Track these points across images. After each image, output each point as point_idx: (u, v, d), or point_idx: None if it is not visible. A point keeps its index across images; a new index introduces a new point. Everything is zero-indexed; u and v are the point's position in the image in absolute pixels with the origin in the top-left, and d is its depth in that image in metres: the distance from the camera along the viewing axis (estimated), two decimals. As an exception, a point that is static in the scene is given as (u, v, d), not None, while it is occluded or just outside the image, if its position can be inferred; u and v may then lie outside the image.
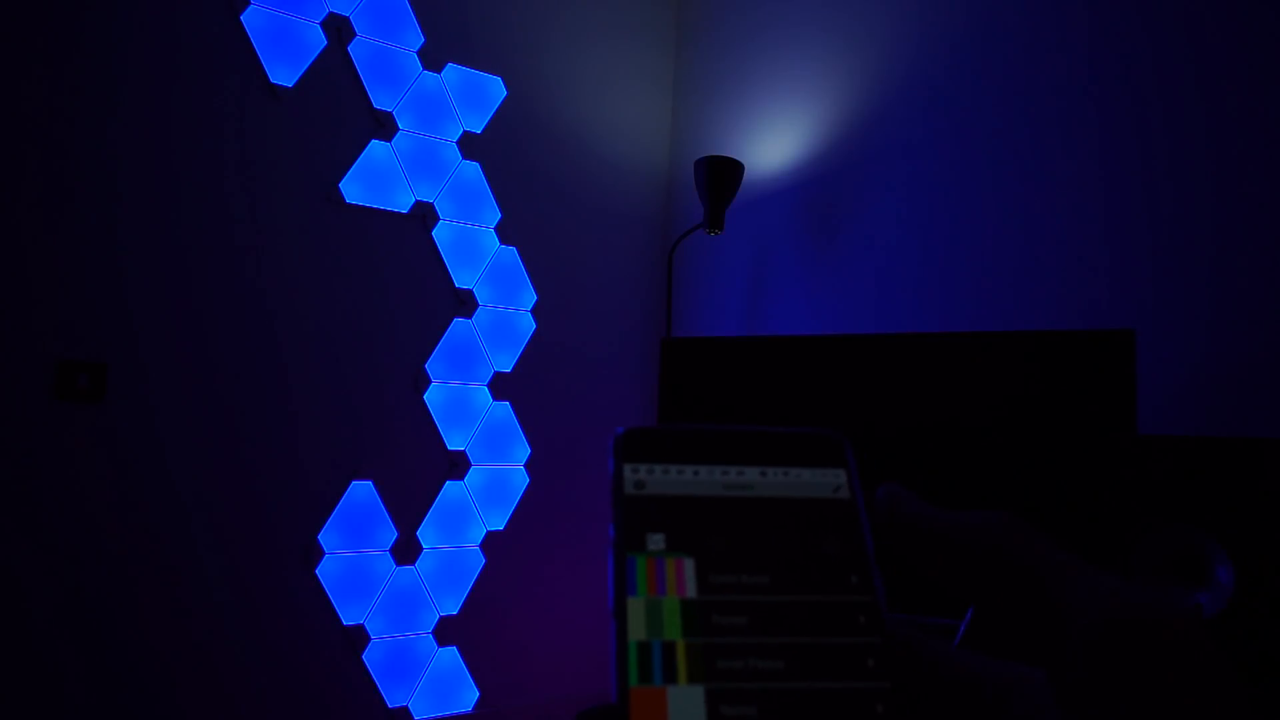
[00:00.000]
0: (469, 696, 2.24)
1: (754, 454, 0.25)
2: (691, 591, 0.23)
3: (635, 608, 0.22)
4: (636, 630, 0.22)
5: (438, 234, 2.28)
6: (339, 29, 2.14)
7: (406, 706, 2.13)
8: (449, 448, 2.26)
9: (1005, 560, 0.23)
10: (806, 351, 1.61)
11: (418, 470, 2.20)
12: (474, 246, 2.35)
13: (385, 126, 2.20)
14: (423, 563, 2.18)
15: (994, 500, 1.40)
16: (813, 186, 2.33)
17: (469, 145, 2.36)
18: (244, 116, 2.00)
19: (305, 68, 2.08)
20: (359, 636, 2.07)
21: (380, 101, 2.20)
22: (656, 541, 0.23)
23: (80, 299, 1.79)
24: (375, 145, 2.18)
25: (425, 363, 2.24)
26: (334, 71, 2.13)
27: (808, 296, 2.32)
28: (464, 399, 2.30)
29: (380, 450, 2.14)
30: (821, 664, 0.22)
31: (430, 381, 2.24)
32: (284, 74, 2.06)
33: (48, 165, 1.77)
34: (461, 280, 2.32)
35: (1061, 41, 1.82)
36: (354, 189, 2.15)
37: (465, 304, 2.32)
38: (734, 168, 2.29)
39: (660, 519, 0.24)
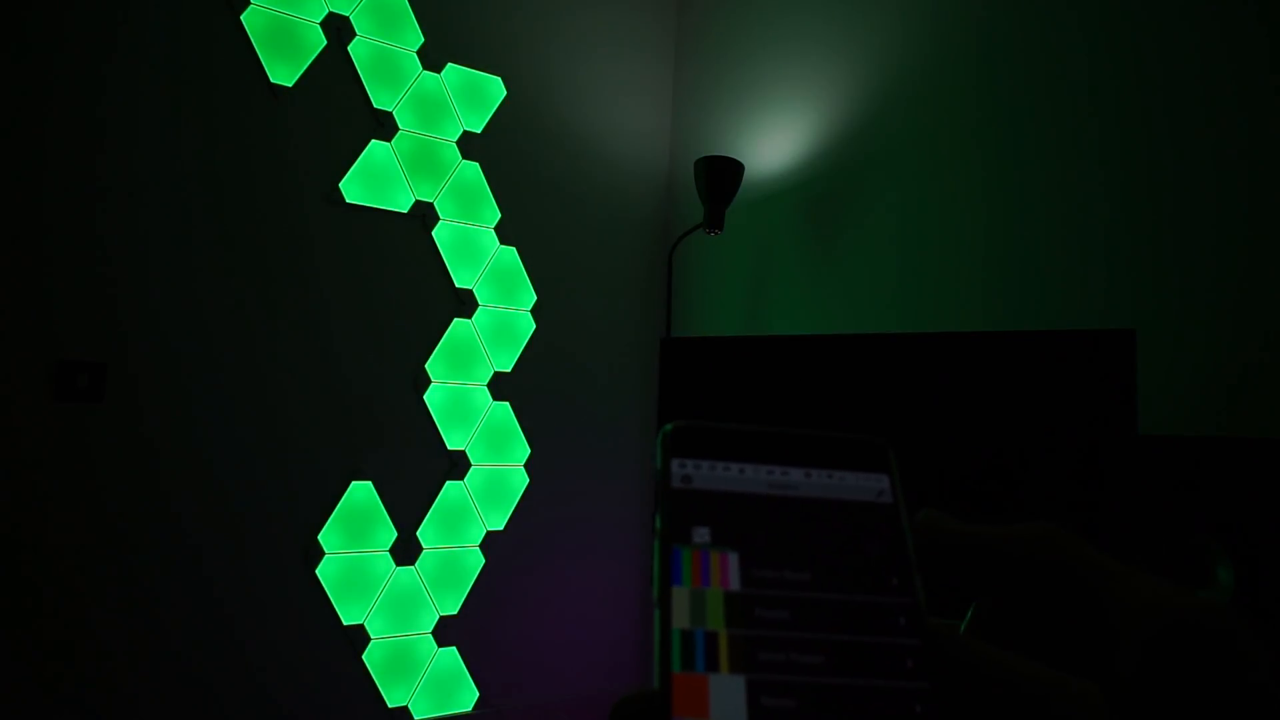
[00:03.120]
0: (468, 696, 2.24)
1: (799, 455, 0.26)
2: (735, 584, 0.23)
3: (679, 597, 0.22)
4: (680, 619, 0.22)
5: (438, 234, 2.28)
6: (339, 29, 2.14)
7: (406, 706, 2.13)
8: (449, 448, 2.26)
9: (1058, 568, 0.23)
10: (806, 351, 1.62)
11: (418, 470, 2.20)
12: (474, 246, 2.35)
13: (385, 126, 2.20)
14: (423, 563, 2.18)
15: (994, 500, 1.40)
16: (813, 186, 2.33)
17: (469, 145, 2.36)
18: (244, 116, 2.00)
19: (305, 68, 2.08)
20: (359, 636, 2.07)
21: (380, 101, 2.20)
22: (702, 535, 0.24)
23: (80, 299, 1.79)
24: (375, 145, 2.18)
25: (425, 363, 2.24)
26: (334, 71, 2.13)
27: (808, 296, 2.32)
28: (464, 399, 2.30)
29: (380, 450, 2.14)
30: (861, 662, 0.23)
31: (430, 381, 2.24)
32: (284, 74, 2.06)
33: (48, 165, 1.77)
34: (461, 280, 2.32)
35: (1061, 41, 1.82)
36: (354, 189, 2.15)
37: (465, 304, 2.32)
38: (734, 168, 2.29)
39: (706, 513, 0.24)
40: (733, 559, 0.24)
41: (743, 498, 0.25)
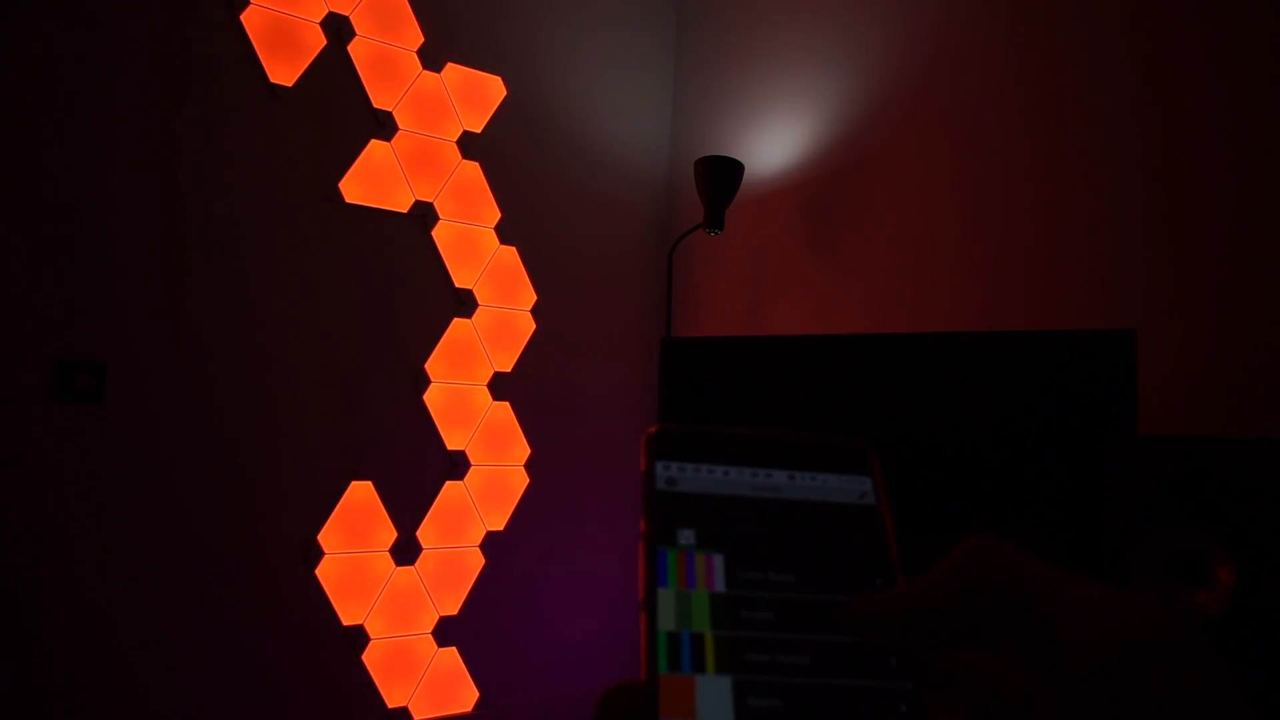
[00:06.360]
0: (469, 697, 2.24)
1: (783, 458, 0.26)
2: (720, 586, 0.23)
3: (665, 599, 0.23)
4: (666, 621, 0.22)
5: (438, 234, 2.28)
6: (339, 28, 2.14)
7: (406, 707, 2.13)
8: (449, 448, 2.26)
9: (999, 588, 0.22)
10: (806, 351, 1.62)
11: (418, 470, 2.20)
12: (474, 246, 2.35)
13: (385, 126, 2.20)
14: (423, 563, 2.18)
15: (994, 501, 1.40)
16: (813, 186, 2.33)
17: (469, 145, 2.36)
18: (244, 116, 2.00)
19: (305, 68, 2.08)
20: (359, 636, 2.07)
21: (380, 101, 2.20)
22: (687, 537, 0.24)
23: (80, 299, 1.79)
24: (375, 145, 2.18)
25: (425, 363, 2.24)
26: (334, 71, 2.13)
27: (808, 296, 2.32)
28: (464, 399, 2.30)
29: (380, 450, 2.14)
30: (846, 662, 0.23)
31: (430, 381, 2.24)
32: (284, 74, 2.06)
33: (47, 165, 1.77)
34: (461, 280, 2.32)
35: (1062, 41, 1.82)
36: (354, 189, 2.15)
37: (465, 304, 2.32)
38: (734, 168, 2.29)
39: (690, 515, 0.24)
40: (718, 561, 0.24)
41: (727, 500, 0.25)
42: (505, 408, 2.37)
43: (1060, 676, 0.21)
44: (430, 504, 2.21)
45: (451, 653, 2.22)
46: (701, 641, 0.22)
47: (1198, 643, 0.21)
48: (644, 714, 0.21)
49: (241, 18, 2.00)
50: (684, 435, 0.26)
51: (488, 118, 2.40)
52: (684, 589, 0.23)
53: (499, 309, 2.39)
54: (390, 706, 2.11)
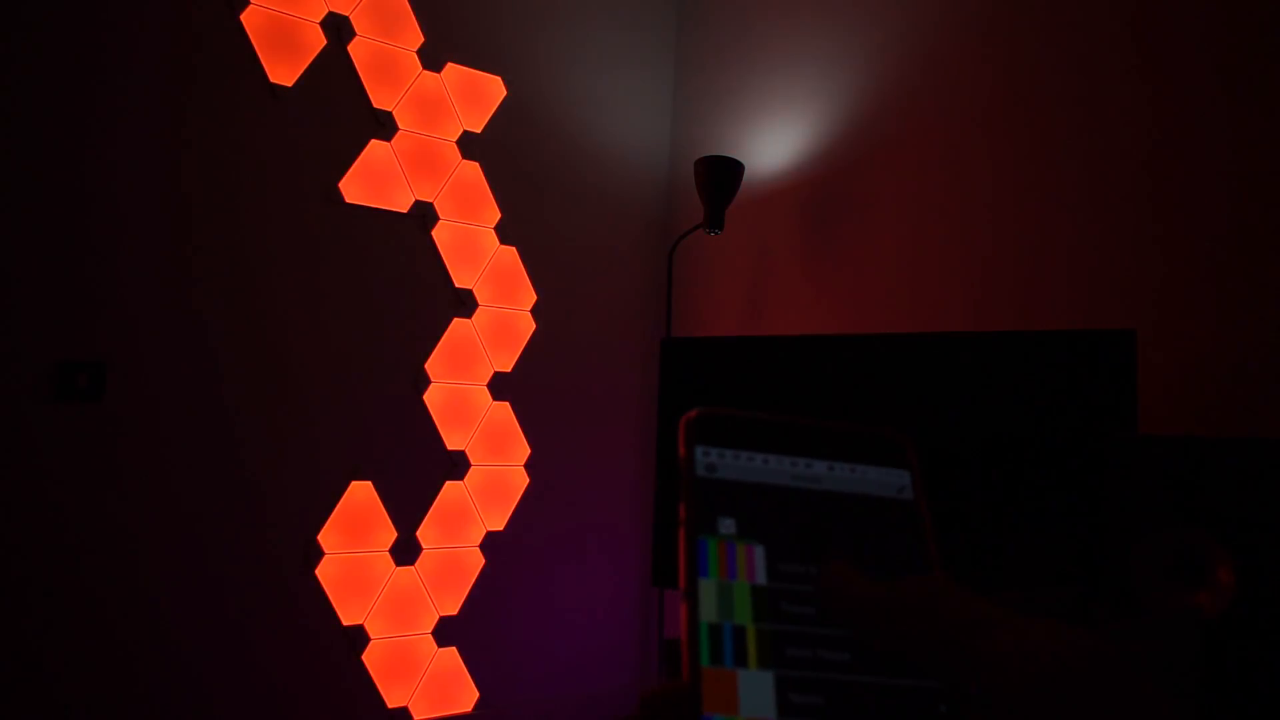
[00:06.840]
0: (469, 697, 2.24)
1: (822, 448, 0.26)
2: (762, 578, 0.23)
3: (706, 589, 0.22)
4: (708, 612, 0.22)
5: (438, 234, 2.28)
6: (339, 28, 2.14)
7: (406, 707, 2.13)
8: (449, 448, 2.26)
9: (939, 619, 0.23)
10: (806, 351, 1.62)
11: (418, 470, 2.20)
12: (474, 246, 2.35)
13: (385, 126, 2.20)
14: (422, 563, 2.18)
15: (994, 500, 1.40)
16: (812, 186, 2.33)
17: (469, 145, 2.36)
18: (244, 116, 2.00)
19: (305, 68, 2.08)
20: (359, 637, 2.07)
21: (380, 101, 2.20)
22: (728, 526, 0.23)
23: (80, 299, 1.79)
24: (375, 145, 2.18)
25: (425, 363, 2.24)
26: (334, 71, 2.13)
27: (808, 296, 2.32)
28: (464, 399, 2.30)
29: (380, 450, 2.14)
30: (886, 660, 0.22)
31: (430, 381, 2.24)
32: (284, 74, 2.05)
33: (48, 165, 1.77)
34: (461, 280, 2.32)
35: (1062, 40, 1.82)
36: (354, 189, 2.14)
37: (465, 304, 2.32)
38: (734, 167, 2.29)
39: (731, 503, 0.24)
40: (759, 552, 0.23)
41: (767, 489, 0.24)
42: (505, 408, 2.37)
43: (990, 711, 0.21)
44: (430, 504, 2.21)
45: (451, 653, 2.22)
46: (744, 635, 0.22)
47: (1127, 674, 0.21)
48: (687, 709, 0.20)
49: (241, 18, 2.00)
50: (724, 420, 0.25)
51: (488, 118, 2.40)
52: (725, 579, 0.22)
53: (499, 309, 2.39)
54: (390, 706, 2.11)
